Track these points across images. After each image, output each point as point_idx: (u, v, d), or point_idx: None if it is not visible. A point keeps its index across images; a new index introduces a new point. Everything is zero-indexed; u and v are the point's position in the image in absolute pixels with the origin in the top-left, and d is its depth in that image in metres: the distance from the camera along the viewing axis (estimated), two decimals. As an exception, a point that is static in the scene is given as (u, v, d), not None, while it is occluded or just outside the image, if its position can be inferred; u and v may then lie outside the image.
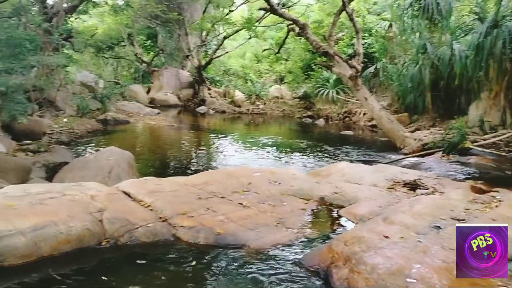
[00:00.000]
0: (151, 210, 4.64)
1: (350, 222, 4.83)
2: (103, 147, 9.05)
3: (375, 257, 3.46)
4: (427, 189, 5.77)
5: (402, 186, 5.94)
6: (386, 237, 3.83)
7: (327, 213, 5.20)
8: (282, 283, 3.53)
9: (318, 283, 3.58)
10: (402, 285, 3.06)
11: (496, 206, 4.79)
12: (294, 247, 4.25)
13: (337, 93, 17.84)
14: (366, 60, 15.71)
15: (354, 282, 3.29)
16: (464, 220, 4.28)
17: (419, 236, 3.88)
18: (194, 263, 3.85)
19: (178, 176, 6.22)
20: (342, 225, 4.81)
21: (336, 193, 5.65)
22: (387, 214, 4.51)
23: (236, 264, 3.84)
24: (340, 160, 9.28)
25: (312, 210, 5.22)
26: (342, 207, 5.29)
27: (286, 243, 4.31)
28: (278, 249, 4.18)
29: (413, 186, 5.89)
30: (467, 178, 6.53)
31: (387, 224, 4.18)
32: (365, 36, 17.47)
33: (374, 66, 17.25)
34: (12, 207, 3.97)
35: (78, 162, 7.98)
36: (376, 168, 7.00)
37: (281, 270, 3.77)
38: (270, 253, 4.10)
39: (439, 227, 4.08)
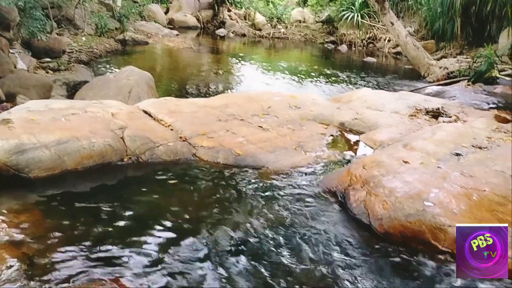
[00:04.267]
0: (171, 129, 4.68)
1: (370, 148, 4.81)
2: (123, 67, 8.99)
3: (394, 181, 3.47)
4: (450, 117, 5.66)
5: (425, 114, 5.83)
6: (406, 162, 3.81)
7: (347, 139, 5.18)
8: (299, 203, 3.60)
9: (334, 205, 3.63)
10: (419, 209, 3.09)
11: (520, 135, 4.70)
12: (312, 170, 4.28)
13: (362, 17, 17.14)
14: (394, -18, 14.90)
15: (371, 204, 3.33)
16: (486, 148, 4.22)
17: (439, 162, 3.85)
18: (213, 181, 3.93)
19: (197, 98, 6.19)
20: (361, 151, 4.80)
21: (356, 119, 5.58)
22: (407, 140, 4.47)
23: (255, 184, 3.91)
24: (362, 87, 9.10)
25: (331, 135, 5.20)
26: (362, 133, 5.25)
27: (304, 166, 4.34)
28: (296, 171, 4.22)
29: (435, 114, 5.78)
30: (491, 108, 6.37)
31: (407, 150, 4.15)
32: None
33: (402, -11, 16.38)
34: (35, 121, 4.03)
35: (98, 81, 7.99)
36: (399, 96, 6.84)
37: (298, 191, 3.83)
38: (288, 175, 4.14)
39: (460, 154, 4.04)
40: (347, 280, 2.68)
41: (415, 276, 2.73)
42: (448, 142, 4.37)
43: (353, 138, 5.16)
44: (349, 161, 4.39)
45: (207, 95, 8.60)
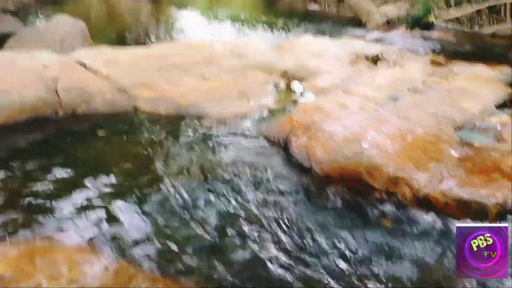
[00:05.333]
0: (109, 80, 4.49)
1: (312, 94, 4.87)
2: (54, 16, 8.42)
3: (334, 126, 3.55)
4: (388, 62, 5.80)
5: (364, 60, 5.94)
6: (345, 107, 3.90)
7: (289, 86, 5.20)
8: (242, 151, 3.62)
9: (277, 151, 3.68)
10: (357, 151, 3.19)
11: (452, 78, 4.90)
12: (255, 118, 4.29)
13: (305, -37, 16.84)
14: None
15: (312, 149, 3.40)
16: (421, 91, 4.39)
17: (377, 106, 3.97)
18: (155, 132, 3.86)
19: (136, 47, 5.95)
20: (303, 97, 4.85)
21: (299, 66, 5.59)
22: (348, 86, 4.56)
23: (198, 133, 3.88)
24: (305, 34, 9.08)
25: (274, 83, 5.19)
26: (304, 80, 5.28)
27: (247, 114, 4.34)
28: (240, 120, 4.22)
29: (375, 60, 5.90)
30: (428, 52, 6.58)
31: (347, 95, 4.25)
32: None
33: None
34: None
35: (27, 32, 7.46)
36: (340, 43, 6.90)
37: (241, 139, 3.84)
38: (232, 123, 4.13)
39: (396, 98, 4.18)
40: (289, 220, 2.76)
41: (353, 214, 2.86)
42: (386, 87, 4.51)
43: (295, 85, 5.19)
44: (291, 108, 4.42)
45: (146, 44, 8.27)
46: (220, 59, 5.50)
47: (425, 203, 2.84)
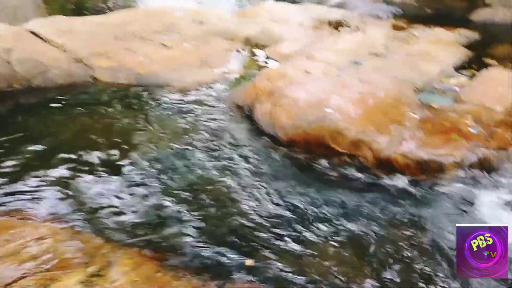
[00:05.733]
0: (65, 51, 4.32)
1: (275, 61, 4.83)
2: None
3: (297, 92, 3.55)
4: (351, 27, 5.80)
5: (327, 25, 5.91)
6: (308, 72, 3.90)
7: (253, 53, 5.14)
8: (206, 120, 3.58)
9: (242, 119, 3.67)
10: (320, 116, 3.21)
11: (413, 42, 4.96)
12: (219, 86, 4.24)
13: None
14: None
15: (276, 115, 3.40)
16: (382, 55, 4.43)
17: (340, 71, 3.99)
18: (115, 102, 3.77)
19: (92, 16, 5.71)
20: (267, 64, 4.80)
21: (262, 33, 5.52)
22: (311, 52, 4.54)
23: (159, 103, 3.82)
24: (267, 1, 8.94)
25: (237, 50, 5.12)
26: (268, 46, 5.22)
27: (210, 82, 4.29)
28: (202, 88, 4.16)
29: (337, 25, 5.88)
30: (389, 17, 6.60)
31: (310, 61, 4.24)
32: None
33: None
34: None
35: (-25, 2, 7.04)
36: (303, 8, 6.83)
37: (205, 108, 3.80)
38: (195, 92, 4.08)
39: (358, 63, 4.20)
40: (254, 187, 2.77)
41: (317, 176, 2.90)
42: (348, 52, 4.52)
43: (259, 52, 5.13)
44: (255, 75, 4.38)
45: (103, 12, 7.97)
46: (181, 26, 5.37)
47: (386, 164, 2.91)
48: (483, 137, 3.03)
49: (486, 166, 2.81)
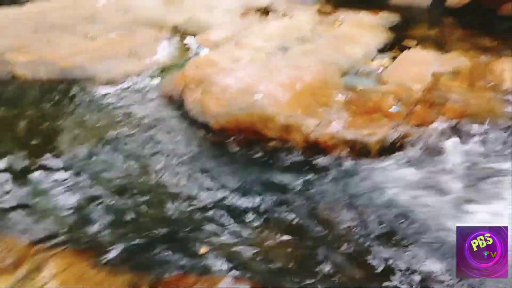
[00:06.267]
0: (-22, 45, 4.05)
1: (204, 48, 4.79)
2: None
3: (227, 78, 3.55)
4: (278, 13, 5.86)
5: (255, 12, 5.93)
6: (237, 59, 3.91)
7: (181, 41, 5.06)
8: (136, 111, 3.52)
9: (173, 108, 3.63)
10: (250, 102, 3.24)
11: (338, 26, 5.10)
12: (147, 76, 4.15)
13: None
14: None
15: (206, 103, 3.39)
16: (309, 40, 4.53)
17: (269, 57, 4.03)
18: (37, 99, 3.60)
19: (7, 6, 5.37)
20: (196, 52, 4.76)
21: (190, 20, 5.45)
22: (239, 38, 4.55)
23: (85, 96, 3.69)
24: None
25: (165, 39, 5.02)
26: (196, 34, 5.17)
27: (140, 72, 4.19)
28: (131, 79, 4.06)
29: (265, 12, 5.92)
30: (315, 2, 6.72)
31: (239, 47, 4.25)
32: None
33: None
34: None
35: None
36: (231, -6, 6.81)
37: (135, 99, 3.73)
38: (123, 84, 3.98)
39: (287, 48, 4.27)
40: (187, 176, 2.77)
41: (249, 162, 2.94)
42: (276, 38, 4.57)
43: (187, 40, 5.06)
44: (184, 63, 4.33)
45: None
46: (105, 15, 5.20)
47: (315, 146, 3.00)
48: (404, 115, 3.20)
49: (406, 142, 2.97)
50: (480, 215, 2.44)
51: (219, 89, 3.43)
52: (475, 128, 3.10)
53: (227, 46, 4.39)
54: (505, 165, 2.77)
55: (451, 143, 2.98)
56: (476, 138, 3.04)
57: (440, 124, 3.12)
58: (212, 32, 5.06)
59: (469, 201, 2.54)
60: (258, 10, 5.97)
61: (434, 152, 2.93)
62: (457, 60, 4.13)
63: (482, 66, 4.03)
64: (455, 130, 3.09)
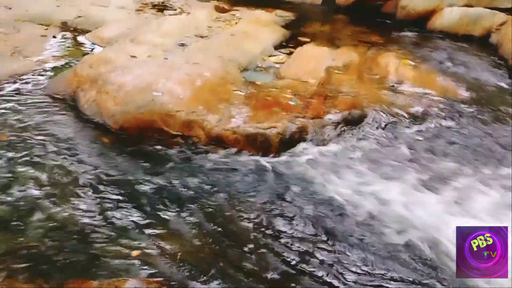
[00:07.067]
0: None
1: (97, 46, 4.57)
2: None
3: (123, 76, 3.43)
4: (175, 10, 5.78)
5: (151, 8, 5.80)
6: (134, 56, 3.79)
7: (71, 39, 4.77)
8: (25, 115, 3.25)
9: (65, 109, 3.41)
10: (149, 99, 3.16)
11: (236, 23, 5.16)
12: (35, 76, 3.87)
13: None
14: None
15: (103, 103, 3.25)
16: (207, 36, 4.53)
17: (166, 53, 3.96)
18: None
19: None
20: (88, 50, 4.52)
21: (80, 16, 5.17)
22: (135, 35, 4.42)
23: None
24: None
25: (54, 36, 4.72)
26: (88, 31, 4.91)
27: (25, 73, 3.88)
28: (17, 81, 3.75)
29: (161, 8, 5.81)
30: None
31: (135, 44, 4.13)
32: None
33: None
34: None
35: None
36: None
37: (22, 101, 3.44)
38: (8, 85, 3.66)
39: (185, 45, 4.23)
40: (86, 180, 2.63)
41: (151, 161, 2.86)
42: (173, 34, 4.51)
43: (78, 37, 4.79)
44: (75, 62, 4.09)
45: None
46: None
47: (218, 141, 3.01)
48: (301, 108, 3.33)
49: (304, 134, 3.10)
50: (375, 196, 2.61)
51: (116, 87, 3.30)
52: (366, 117, 3.34)
53: (122, 43, 4.24)
54: (402, 150, 3.03)
55: (344, 133, 3.18)
56: (367, 127, 3.27)
57: (334, 116, 3.30)
58: (105, 29, 4.85)
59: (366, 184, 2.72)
60: (154, 6, 5.84)
61: (329, 142, 3.09)
62: (347, 55, 4.40)
63: (369, 60, 4.33)
64: (347, 121, 3.29)
